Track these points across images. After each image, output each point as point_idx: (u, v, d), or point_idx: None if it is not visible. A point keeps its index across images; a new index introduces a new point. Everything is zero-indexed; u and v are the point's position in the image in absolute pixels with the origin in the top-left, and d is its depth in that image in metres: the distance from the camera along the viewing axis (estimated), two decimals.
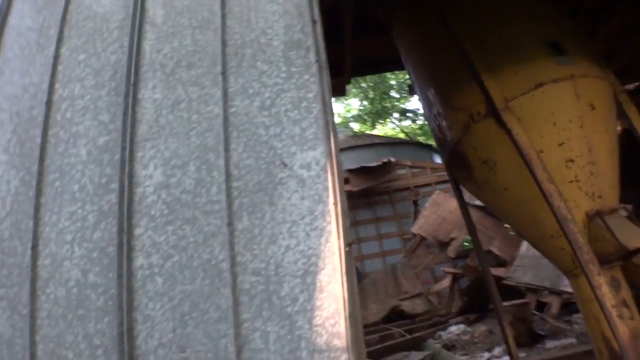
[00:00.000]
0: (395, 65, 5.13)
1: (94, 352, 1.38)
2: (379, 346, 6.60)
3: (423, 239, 10.34)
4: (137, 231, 1.48)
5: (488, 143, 2.96)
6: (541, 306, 6.52)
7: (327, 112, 1.52)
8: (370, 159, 12.96)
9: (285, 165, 1.48)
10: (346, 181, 12.64)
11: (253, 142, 1.53)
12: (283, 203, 1.45)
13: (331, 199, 1.41)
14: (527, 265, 6.52)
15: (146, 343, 1.37)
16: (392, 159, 12.80)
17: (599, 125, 2.82)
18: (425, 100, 3.66)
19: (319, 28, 1.66)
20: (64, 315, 1.42)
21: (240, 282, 1.38)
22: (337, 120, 19.82)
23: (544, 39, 2.91)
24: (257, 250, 1.41)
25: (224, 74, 1.63)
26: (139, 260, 1.45)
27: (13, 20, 1.81)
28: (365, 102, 17.53)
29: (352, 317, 1.29)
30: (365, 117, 17.55)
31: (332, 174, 1.43)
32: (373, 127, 18.20)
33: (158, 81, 1.66)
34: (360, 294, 10.29)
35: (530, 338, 5.37)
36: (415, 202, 11.51)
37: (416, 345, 6.85)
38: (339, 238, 1.35)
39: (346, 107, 18.91)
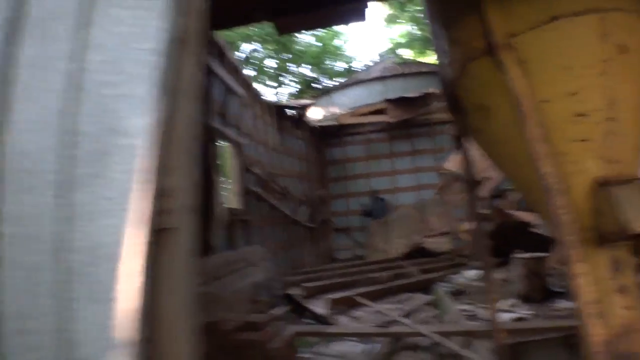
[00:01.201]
0: None
1: None
2: (389, 285, 6.46)
3: (457, 176, 9.33)
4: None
5: (482, 86, 2.38)
6: None
7: (164, 67, 1.27)
8: (415, 88, 11.91)
9: (118, 132, 1.30)
10: (383, 112, 11.93)
11: (94, 104, 1.37)
12: (110, 176, 1.29)
13: (148, 176, 1.21)
14: None
15: (8, 309, 1.41)
16: (434, 90, 11.48)
17: (628, 74, 2.15)
18: (433, 34, 2.97)
19: None
20: None
21: (66, 260, 1.31)
22: (388, 45, 17.75)
23: None
24: (81, 226, 1.30)
25: (84, 25, 1.46)
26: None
27: None
28: (415, 28, 15.43)
29: (145, 315, 1.14)
30: (415, 43, 15.50)
31: (154, 144, 1.21)
32: (422, 53, 16.05)
33: (34, 40, 1.56)
34: (385, 228, 9.90)
35: (542, 295, 4.95)
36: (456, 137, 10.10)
37: (427, 287, 6.52)
38: (145, 223, 1.16)
39: (401, 34, 16.91)
